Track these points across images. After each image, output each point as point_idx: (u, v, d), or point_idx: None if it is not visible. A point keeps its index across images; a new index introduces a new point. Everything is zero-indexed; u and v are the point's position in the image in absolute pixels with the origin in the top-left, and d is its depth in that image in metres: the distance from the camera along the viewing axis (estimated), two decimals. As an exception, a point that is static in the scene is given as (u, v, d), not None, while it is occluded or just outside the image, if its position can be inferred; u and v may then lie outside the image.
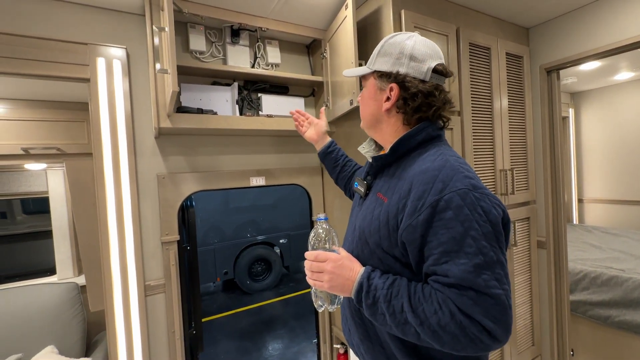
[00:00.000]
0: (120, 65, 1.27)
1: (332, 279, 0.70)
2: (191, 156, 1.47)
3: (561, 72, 1.71)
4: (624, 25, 1.41)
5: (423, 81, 0.72)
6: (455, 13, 1.44)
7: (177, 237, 1.40)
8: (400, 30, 1.24)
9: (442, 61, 0.75)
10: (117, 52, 1.26)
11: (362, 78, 0.84)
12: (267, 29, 1.46)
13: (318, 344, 1.82)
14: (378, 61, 0.77)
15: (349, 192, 1.18)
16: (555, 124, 1.70)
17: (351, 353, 1.62)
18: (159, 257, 1.39)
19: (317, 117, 1.24)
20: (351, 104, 1.30)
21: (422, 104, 0.72)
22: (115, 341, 1.27)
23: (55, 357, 1.34)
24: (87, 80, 1.22)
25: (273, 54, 1.60)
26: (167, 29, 0.88)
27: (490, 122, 1.53)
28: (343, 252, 0.75)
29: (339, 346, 1.71)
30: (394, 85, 0.74)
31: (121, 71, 1.27)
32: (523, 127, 1.70)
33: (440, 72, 0.74)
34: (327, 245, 0.77)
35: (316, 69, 1.73)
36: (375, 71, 0.77)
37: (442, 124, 0.77)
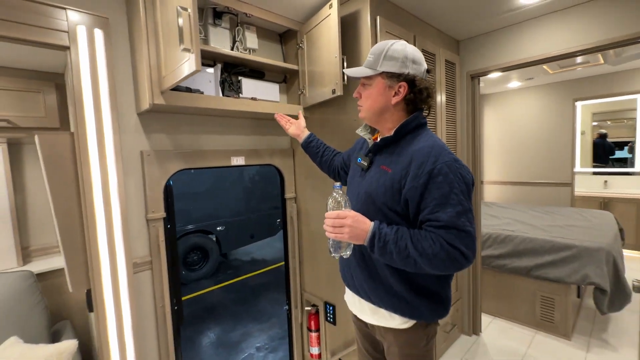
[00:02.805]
0: (102, 35, 1.21)
1: (351, 231, 0.91)
2: (174, 134, 1.47)
3: (480, 78, 2.19)
4: (525, 48, 1.90)
5: (424, 80, 0.96)
6: (413, 23, 1.74)
7: (163, 214, 1.42)
8: (375, 32, 1.47)
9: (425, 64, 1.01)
10: (98, 22, 1.20)
11: (365, 77, 1.01)
12: (252, 15, 1.54)
13: (289, 310, 2.01)
14: (385, 64, 0.96)
15: (333, 173, 1.38)
16: (476, 118, 2.18)
17: (340, 308, 1.86)
18: (144, 234, 1.39)
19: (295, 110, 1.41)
20: (333, 92, 1.49)
21: (424, 98, 0.97)
22: (105, 320, 1.26)
23: (22, 346, 1.24)
24: (67, 48, 1.14)
25: (251, 39, 1.67)
26: (189, 10, 0.93)
27: (434, 115, 1.90)
28: (352, 212, 0.96)
29: (310, 308, 1.93)
30: (403, 83, 0.95)
31: (103, 42, 1.21)
32: (454, 120, 2.13)
33: (429, 71, 1.00)
34: (342, 207, 0.97)
35: (288, 57, 1.86)
36: (384, 72, 0.97)
37: (427, 113, 1.03)
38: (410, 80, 0.95)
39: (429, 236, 0.85)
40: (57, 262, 1.62)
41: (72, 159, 1.21)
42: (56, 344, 1.21)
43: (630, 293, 2.09)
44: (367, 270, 1.01)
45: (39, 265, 1.57)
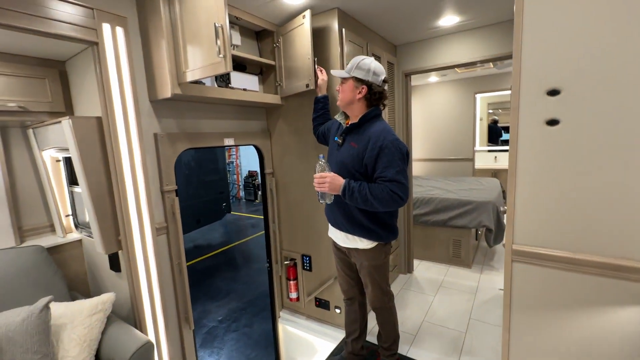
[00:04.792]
0: (123, 33, 1.40)
1: (330, 185, 1.37)
2: (180, 119, 1.72)
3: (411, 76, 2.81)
4: (442, 55, 2.56)
5: (379, 86, 1.45)
6: (366, 33, 2.22)
7: (175, 187, 1.68)
8: (342, 40, 1.91)
9: (386, 75, 1.50)
10: (119, 20, 1.39)
11: (342, 77, 1.47)
12: (241, 18, 1.82)
13: (270, 266, 2.42)
14: (355, 71, 1.42)
15: (316, 134, 1.83)
16: (408, 108, 2.82)
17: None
18: (160, 204, 1.64)
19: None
20: (307, 87, 1.89)
21: (377, 98, 1.45)
22: (137, 276, 1.51)
23: (61, 304, 1.41)
24: (96, 44, 1.32)
25: (235, 36, 1.95)
26: (224, 25, 1.24)
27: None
28: (332, 174, 1.40)
29: (288, 262, 2.37)
30: (364, 87, 1.42)
31: (124, 38, 1.41)
32: (394, 108, 2.72)
33: (385, 81, 1.48)
34: (324, 171, 1.41)
35: (264, 52, 2.18)
36: (354, 77, 1.43)
37: (382, 108, 1.52)
38: (369, 86, 1.42)
39: (380, 187, 1.35)
40: (50, 240, 1.74)
41: (100, 139, 1.40)
42: (95, 297, 1.42)
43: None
44: (344, 211, 1.49)
45: (35, 243, 1.66)
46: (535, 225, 1.08)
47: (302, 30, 1.84)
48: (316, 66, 1.83)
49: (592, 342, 1.03)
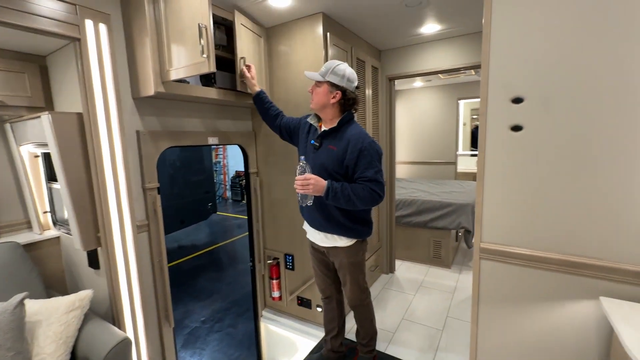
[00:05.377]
0: (106, 29, 1.40)
1: (314, 187, 1.39)
2: (162, 117, 1.72)
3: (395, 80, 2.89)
4: (425, 61, 2.64)
5: (352, 92, 1.49)
6: (351, 37, 2.27)
7: (157, 184, 1.68)
8: (326, 43, 1.95)
9: (358, 82, 1.54)
10: (102, 17, 1.39)
11: (317, 81, 1.49)
12: (227, 19, 1.84)
13: (253, 265, 2.43)
14: (331, 76, 1.45)
15: (278, 130, 1.76)
16: (392, 111, 2.89)
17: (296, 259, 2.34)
18: (141, 201, 1.64)
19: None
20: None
21: (351, 104, 1.50)
22: (117, 273, 1.50)
23: (37, 301, 1.39)
24: (78, 39, 1.32)
25: (221, 36, 1.97)
26: (207, 26, 1.26)
27: (364, 107, 2.51)
28: (314, 175, 1.42)
29: (271, 261, 2.39)
30: (338, 92, 1.47)
31: (107, 35, 1.41)
32: (377, 112, 2.79)
33: (358, 87, 1.53)
34: (306, 172, 1.44)
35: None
36: (329, 81, 1.47)
37: (354, 112, 1.56)
38: (343, 91, 1.47)
39: (360, 186, 1.40)
40: (25, 237, 1.71)
41: (80, 135, 1.40)
42: (73, 294, 1.42)
43: (484, 233, 3.15)
44: (324, 212, 1.53)
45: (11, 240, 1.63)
46: (501, 224, 1.15)
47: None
48: (243, 65, 1.80)
49: (551, 333, 1.10)
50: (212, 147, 8.73)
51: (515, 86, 1.06)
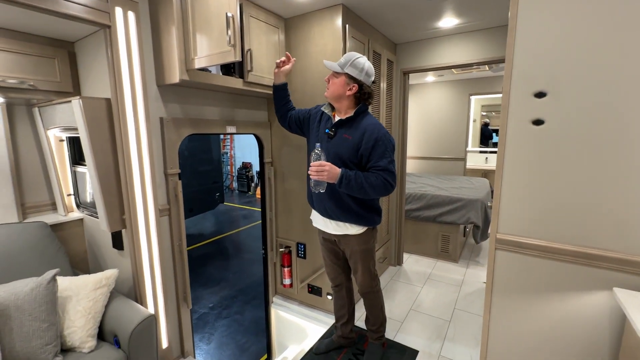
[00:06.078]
0: (134, 17, 1.44)
1: (329, 174, 1.41)
2: (184, 105, 1.76)
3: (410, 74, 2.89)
4: (440, 55, 2.64)
5: (368, 87, 1.51)
6: (368, 30, 2.28)
7: (178, 170, 1.73)
8: (345, 35, 1.97)
9: (375, 77, 1.55)
10: (131, 5, 1.42)
11: (335, 71, 1.50)
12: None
13: (265, 253, 2.49)
14: (349, 69, 1.47)
15: (287, 123, 1.75)
16: (405, 105, 2.90)
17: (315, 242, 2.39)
18: (163, 186, 1.69)
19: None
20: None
21: (366, 97, 1.52)
22: (140, 255, 1.56)
23: (65, 278, 1.46)
24: (108, 27, 1.36)
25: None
26: (235, 15, 1.29)
27: (378, 100, 2.52)
28: (329, 163, 1.44)
29: (283, 249, 2.45)
30: (355, 85, 1.49)
31: (135, 23, 1.44)
32: (391, 105, 2.80)
33: (374, 82, 1.55)
34: (320, 159, 1.47)
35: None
36: (347, 73, 1.48)
37: (369, 104, 1.57)
38: (360, 85, 1.49)
39: (374, 175, 1.43)
40: (51, 218, 1.78)
41: (108, 120, 1.45)
42: (100, 273, 1.48)
43: (493, 229, 3.17)
44: (336, 200, 1.56)
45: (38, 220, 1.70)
46: (517, 215, 1.18)
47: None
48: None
49: (563, 322, 1.14)
50: (221, 137, 8.77)
51: (538, 80, 1.08)
